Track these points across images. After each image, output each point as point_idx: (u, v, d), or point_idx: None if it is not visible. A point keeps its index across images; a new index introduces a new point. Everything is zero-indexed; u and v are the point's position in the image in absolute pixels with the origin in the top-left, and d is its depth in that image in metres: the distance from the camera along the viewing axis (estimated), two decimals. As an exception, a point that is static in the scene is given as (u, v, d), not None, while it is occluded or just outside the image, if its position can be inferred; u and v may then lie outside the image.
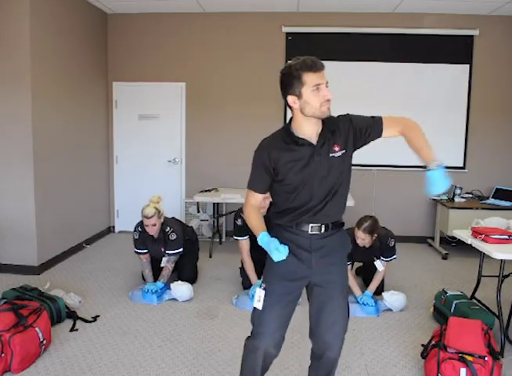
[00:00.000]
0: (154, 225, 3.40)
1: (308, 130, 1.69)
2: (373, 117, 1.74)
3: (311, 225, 1.73)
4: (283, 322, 1.77)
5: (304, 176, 1.68)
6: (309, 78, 1.59)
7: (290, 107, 1.69)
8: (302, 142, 1.68)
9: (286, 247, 1.64)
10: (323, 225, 1.74)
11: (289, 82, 1.63)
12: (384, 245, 3.34)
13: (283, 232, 1.77)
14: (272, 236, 1.71)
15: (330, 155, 1.69)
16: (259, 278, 3.32)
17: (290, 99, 1.65)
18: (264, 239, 1.69)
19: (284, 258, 1.63)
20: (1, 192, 3.92)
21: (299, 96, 1.63)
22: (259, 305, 1.77)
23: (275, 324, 1.75)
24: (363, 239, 3.21)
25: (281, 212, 1.78)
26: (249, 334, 1.83)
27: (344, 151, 1.71)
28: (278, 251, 1.62)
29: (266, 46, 5.13)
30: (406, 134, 1.71)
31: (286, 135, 1.71)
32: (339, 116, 1.76)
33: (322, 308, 1.78)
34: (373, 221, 3.21)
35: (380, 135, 1.73)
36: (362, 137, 1.73)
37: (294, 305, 1.83)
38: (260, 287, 1.80)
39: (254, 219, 1.78)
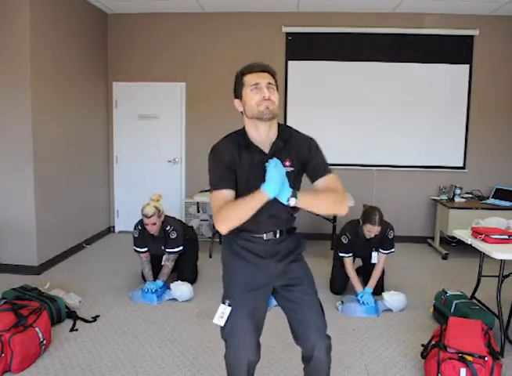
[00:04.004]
0: (154, 224, 3.39)
1: (257, 135, 1.66)
2: (327, 164, 1.68)
3: (264, 232, 1.71)
4: (256, 329, 1.73)
5: (254, 183, 1.57)
6: (248, 78, 1.61)
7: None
8: (254, 148, 1.65)
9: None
10: (278, 231, 1.73)
11: (235, 87, 1.66)
12: (383, 236, 3.36)
13: (238, 240, 1.74)
14: (225, 246, 1.79)
15: None
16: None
17: (236, 103, 1.67)
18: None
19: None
20: (1, 192, 3.92)
21: (241, 98, 1.64)
22: (221, 322, 1.68)
23: (250, 335, 1.69)
24: (376, 232, 3.26)
25: None
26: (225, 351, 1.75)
27: (293, 169, 1.65)
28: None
29: (266, 46, 5.13)
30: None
31: (240, 137, 1.68)
32: (301, 133, 1.73)
33: (297, 308, 1.73)
34: (378, 210, 3.27)
35: (312, 181, 1.68)
36: (307, 171, 1.69)
37: (265, 311, 1.80)
38: (223, 303, 1.70)
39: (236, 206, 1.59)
